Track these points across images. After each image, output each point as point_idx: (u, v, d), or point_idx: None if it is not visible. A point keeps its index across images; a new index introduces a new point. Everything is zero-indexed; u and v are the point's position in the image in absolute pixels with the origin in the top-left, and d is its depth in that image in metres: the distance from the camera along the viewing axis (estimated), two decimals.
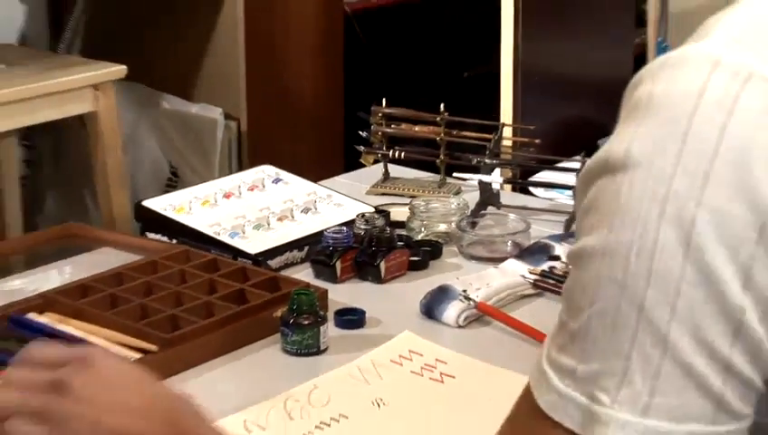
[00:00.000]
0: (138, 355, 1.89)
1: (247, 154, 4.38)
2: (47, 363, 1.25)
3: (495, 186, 2.48)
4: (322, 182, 2.57)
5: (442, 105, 2.59)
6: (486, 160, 2.51)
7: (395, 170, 2.68)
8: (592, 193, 0.99)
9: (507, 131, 2.64)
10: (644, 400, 0.94)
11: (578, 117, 3.02)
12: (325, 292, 2.08)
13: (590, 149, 2.72)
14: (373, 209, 2.38)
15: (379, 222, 2.25)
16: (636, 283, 0.93)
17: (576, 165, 2.42)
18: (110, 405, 1.20)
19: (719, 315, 0.92)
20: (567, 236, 2.31)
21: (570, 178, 2.45)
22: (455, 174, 2.62)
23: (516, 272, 2.16)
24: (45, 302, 2.05)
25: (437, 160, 2.61)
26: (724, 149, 0.91)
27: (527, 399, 1.03)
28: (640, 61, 3.55)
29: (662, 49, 3.77)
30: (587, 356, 0.97)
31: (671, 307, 0.92)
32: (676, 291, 0.92)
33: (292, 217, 2.40)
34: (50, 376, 1.22)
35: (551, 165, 2.64)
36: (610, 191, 0.96)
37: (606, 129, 2.94)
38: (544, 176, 2.67)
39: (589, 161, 1.01)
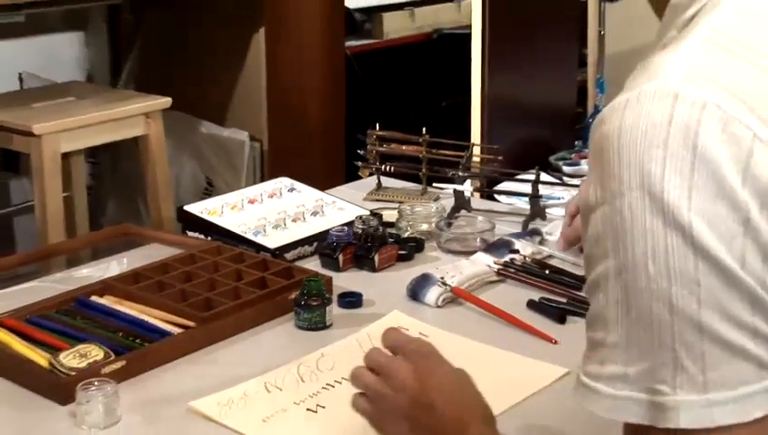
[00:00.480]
0: (179, 330, 1.88)
1: (268, 168, 4.38)
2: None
3: (467, 193, 2.47)
4: (328, 191, 2.56)
5: (424, 129, 2.58)
6: (459, 173, 2.50)
7: (386, 181, 2.67)
8: (594, 224, 0.97)
9: (476, 150, 2.63)
10: (699, 379, 0.92)
11: (533, 138, 3.01)
12: (330, 279, 2.07)
13: (542, 164, 2.73)
14: (369, 212, 2.36)
15: (374, 223, 2.24)
16: (660, 285, 0.92)
17: (531, 176, 2.42)
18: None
19: (736, 295, 0.92)
20: (524, 234, 2.30)
21: (526, 188, 2.44)
22: (434, 184, 2.61)
23: (484, 262, 2.16)
24: (105, 287, 2.05)
25: (420, 173, 2.61)
26: (698, 165, 0.90)
27: None
28: (582, 93, 3.54)
29: (599, 84, 3.76)
30: (633, 359, 0.95)
31: (696, 297, 0.91)
32: (696, 283, 0.91)
33: (304, 218, 2.40)
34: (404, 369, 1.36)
35: (511, 177, 2.63)
36: (614, 216, 0.94)
37: (555, 148, 2.94)
38: (506, 185, 2.66)
39: (581, 195, 0.99)
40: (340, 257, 2.19)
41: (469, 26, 3.07)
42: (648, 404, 0.95)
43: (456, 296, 2.03)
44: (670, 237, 0.91)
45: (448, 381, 1.37)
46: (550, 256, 2.20)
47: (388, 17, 5.18)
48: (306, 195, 2.52)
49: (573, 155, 2.85)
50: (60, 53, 5.00)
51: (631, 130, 0.94)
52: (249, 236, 2.30)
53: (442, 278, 2.06)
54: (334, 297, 2.01)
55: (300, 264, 2.20)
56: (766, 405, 0.94)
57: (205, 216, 2.38)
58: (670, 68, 0.96)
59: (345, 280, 2.12)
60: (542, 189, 2.43)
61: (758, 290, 0.92)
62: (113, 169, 4.87)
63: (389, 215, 2.38)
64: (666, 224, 0.91)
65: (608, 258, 0.96)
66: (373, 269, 2.19)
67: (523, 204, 2.49)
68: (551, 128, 3.08)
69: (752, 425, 0.93)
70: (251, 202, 2.46)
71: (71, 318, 1.94)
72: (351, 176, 2.87)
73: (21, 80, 4.76)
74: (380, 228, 2.26)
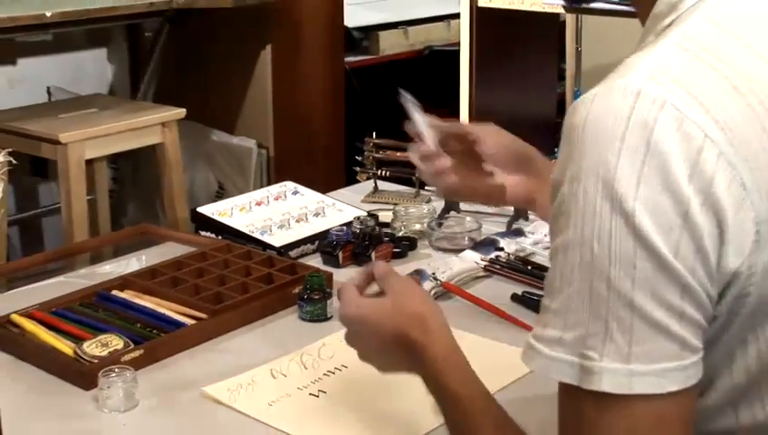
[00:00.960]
0: (192, 322, 1.88)
1: (274, 173, 4.38)
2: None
3: None
4: (329, 194, 2.55)
5: None
6: None
7: (382, 185, 2.66)
8: (557, 201, 0.99)
9: None
10: (625, 350, 0.94)
11: None
12: (331, 274, 2.07)
13: None
14: (366, 214, 2.36)
15: (371, 223, 2.24)
16: (602, 263, 0.94)
17: None
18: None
19: (668, 280, 0.93)
20: (509, 233, 2.29)
21: None
22: (426, 187, 2.61)
23: (472, 259, 2.15)
24: (125, 282, 2.04)
25: (413, 177, 2.60)
26: (649, 158, 0.92)
27: None
28: (561, 104, 3.54)
29: (577, 96, 3.75)
30: (570, 326, 0.97)
31: (631, 278, 0.93)
32: (633, 265, 0.93)
33: (307, 219, 2.39)
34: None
35: None
36: (572, 197, 0.96)
37: None
38: None
39: (552, 175, 1.01)
40: (340, 255, 2.19)
41: (458, 44, 3.07)
42: (578, 367, 0.97)
43: (447, 290, 2.03)
44: (615, 222, 0.93)
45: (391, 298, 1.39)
46: (532, 254, 2.19)
47: (383, 35, 5.18)
48: (309, 197, 2.51)
49: (553, 161, 2.84)
50: (84, 69, 5.00)
51: (596, 121, 0.95)
52: (256, 235, 2.29)
53: (433, 274, 2.05)
54: (334, 291, 2.00)
55: (303, 261, 2.19)
56: (682, 381, 0.96)
57: (216, 217, 2.37)
58: (639, 67, 0.98)
59: (344, 276, 2.11)
60: None
61: (688, 278, 0.94)
62: (133, 174, 4.87)
63: (385, 216, 2.38)
64: (612, 209, 0.93)
65: (562, 233, 0.98)
66: None
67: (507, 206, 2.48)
68: (532, 136, 3.06)
69: (666, 397, 0.95)
70: (258, 204, 2.46)
71: (93, 310, 1.94)
72: (350, 180, 2.86)
73: (49, 93, 4.77)
74: (377, 228, 2.25)
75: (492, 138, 1.68)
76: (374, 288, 1.44)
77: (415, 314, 1.33)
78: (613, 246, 0.94)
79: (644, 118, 0.93)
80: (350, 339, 1.41)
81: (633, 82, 0.95)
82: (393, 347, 1.33)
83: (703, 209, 0.93)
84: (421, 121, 1.67)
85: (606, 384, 0.95)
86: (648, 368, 0.94)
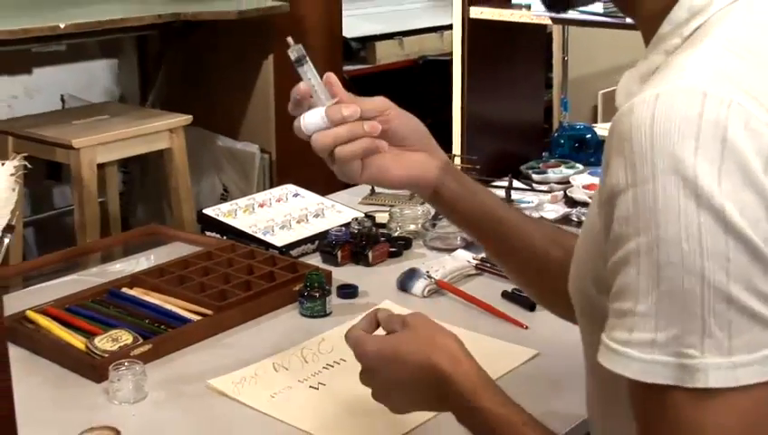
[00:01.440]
0: (198, 318, 1.88)
1: (276, 176, 4.37)
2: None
3: None
4: (328, 196, 2.55)
5: None
6: None
7: (378, 187, 2.65)
8: (623, 205, 0.95)
9: (457, 160, 2.62)
10: (725, 344, 0.91)
11: (506, 150, 3.00)
12: (330, 273, 2.06)
13: (514, 173, 2.72)
14: (363, 215, 2.36)
15: (368, 224, 2.24)
16: (693, 260, 0.90)
17: (505, 183, 2.41)
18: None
19: (762, 270, 0.91)
20: None
21: (500, 193, 2.44)
22: None
23: (464, 258, 2.15)
24: (134, 280, 2.04)
25: None
26: (726, 156, 0.90)
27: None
28: (548, 111, 3.53)
29: (563, 103, 3.75)
30: (663, 326, 0.92)
31: (726, 271, 0.90)
32: (727, 259, 0.90)
33: (307, 220, 2.38)
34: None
35: (487, 183, 2.62)
36: (646, 198, 0.92)
37: (525, 158, 2.93)
38: None
39: (608, 184, 0.96)
40: (339, 254, 2.18)
41: (450, 53, 3.07)
42: (676, 366, 0.92)
43: (440, 288, 2.03)
44: (703, 218, 0.90)
45: (407, 337, 1.32)
46: None
47: (380, 45, 5.18)
48: (309, 199, 2.51)
49: (541, 165, 2.84)
50: (96, 78, 5.00)
51: (664, 122, 0.92)
52: (259, 235, 2.29)
53: (427, 272, 2.05)
54: (333, 289, 2.00)
55: (303, 260, 2.19)
56: None
57: (221, 218, 2.37)
58: (695, 68, 0.95)
59: (343, 274, 2.11)
60: (515, 194, 2.42)
61: None
62: (142, 178, 4.87)
63: (381, 217, 2.37)
64: (699, 206, 0.90)
65: (639, 235, 0.93)
66: (367, 264, 2.18)
67: None
68: (521, 141, 3.07)
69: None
70: (261, 206, 2.45)
71: (104, 307, 1.94)
72: (348, 183, 2.86)
73: (63, 101, 4.77)
74: (374, 229, 2.25)
75: (400, 117, 1.48)
76: (380, 332, 1.36)
77: (443, 345, 1.27)
78: (704, 242, 0.90)
79: (716, 117, 0.90)
80: (367, 377, 1.33)
81: (696, 84, 0.93)
82: (419, 380, 1.27)
83: None
84: (319, 82, 1.47)
85: (713, 380, 0.91)
86: (750, 358, 0.91)
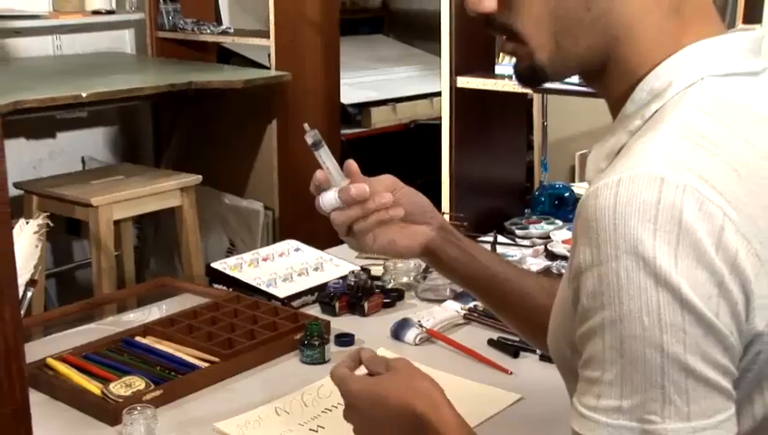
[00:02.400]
0: (206, 365, 1.86)
1: (278, 232, 4.37)
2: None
3: None
4: (327, 250, 2.54)
5: None
6: None
7: None
8: (591, 282, 0.96)
9: (446, 217, 2.61)
10: (684, 410, 0.92)
11: (491, 207, 3.00)
12: (328, 322, 2.05)
13: (499, 228, 2.72)
14: (360, 268, 2.35)
15: (363, 276, 2.23)
16: (653, 334, 0.91)
17: (490, 238, 2.40)
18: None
19: (715, 341, 0.92)
20: None
21: (486, 247, 2.42)
22: None
23: (453, 308, 2.14)
24: (146, 329, 2.03)
25: None
26: (682, 237, 0.91)
27: None
28: (530, 171, 3.54)
29: (543, 164, 3.75)
30: (628, 394, 0.93)
31: (683, 343, 0.91)
32: (683, 331, 0.91)
33: (307, 273, 2.38)
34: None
35: (474, 238, 2.60)
36: (610, 276, 0.93)
37: (509, 215, 2.92)
38: None
39: (576, 261, 0.97)
40: (337, 305, 2.17)
41: (440, 118, 3.07)
42: (640, 431, 0.93)
43: (431, 336, 2.01)
44: (661, 295, 0.91)
45: (389, 380, 1.31)
46: None
47: (375, 111, 5.19)
48: (309, 254, 2.50)
49: (523, 221, 2.84)
50: (114, 141, 5.01)
51: (626, 206, 0.93)
52: (263, 287, 2.28)
53: (419, 321, 2.04)
54: (332, 337, 1.99)
55: (304, 310, 2.18)
56: (732, 429, 0.94)
57: (227, 271, 2.36)
58: (653, 155, 0.96)
59: (340, 323, 2.10)
60: (499, 249, 2.41)
61: (729, 337, 0.93)
62: (155, 233, 4.85)
63: (376, 270, 2.37)
64: (657, 283, 0.91)
65: (604, 310, 0.94)
66: (363, 314, 2.17)
67: None
68: (505, 199, 3.07)
69: None
70: (264, 260, 2.44)
71: (118, 355, 1.92)
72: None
73: (83, 162, 4.78)
74: (369, 281, 2.24)
75: (407, 195, 1.54)
76: (362, 371, 1.35)
77: (423, 388, 1.27)
78: (663, 317, 0.91)
79: (671, 201, 0.91)
80: (349, 414, 1.33)
81: (654, 171, 0.93)
82: (398, 421, 1.26)
83: (732, 278, 0.92)
84: (333, 163, 1.55)
85: None
86: (707, 422, 0.92)
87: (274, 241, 3.97)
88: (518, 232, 2.77)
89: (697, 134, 0.98)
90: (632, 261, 0.92)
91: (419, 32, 6.05)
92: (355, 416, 1.32)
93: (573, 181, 3.68)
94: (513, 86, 2.89)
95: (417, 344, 2.00)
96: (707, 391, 0.92)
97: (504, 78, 2.94)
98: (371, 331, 2.07)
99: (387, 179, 1.54)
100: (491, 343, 1.98)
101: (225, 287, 2.33)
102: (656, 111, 1.04)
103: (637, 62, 1.07)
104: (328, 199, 1.49)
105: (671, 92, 1.04)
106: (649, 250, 0.91)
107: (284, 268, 2.38)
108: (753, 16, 2.89)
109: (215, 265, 2.40)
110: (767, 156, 0.99)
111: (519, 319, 1.54)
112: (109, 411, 1.67)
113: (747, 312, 0.93)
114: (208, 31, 4.73)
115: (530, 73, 1.15)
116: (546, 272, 2.43)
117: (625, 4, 1.06)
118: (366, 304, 2.17)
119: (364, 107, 5.20)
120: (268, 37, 4.37)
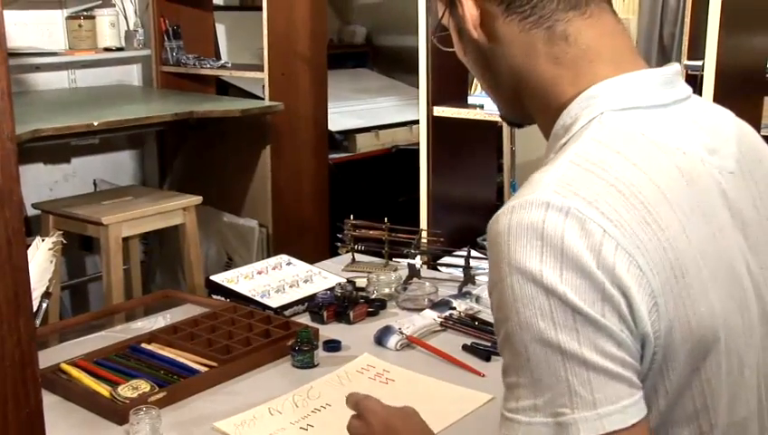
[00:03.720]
0: (205, 369, 1.85)
1: (272, 248, 4.35)
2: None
3: (418, 266, 2.45)
4: (316, 264, 2.54)
5: (386, 218, 2.57)
6: (412, 251, 2.48)
7: (359, 257, 2.64)
8: (496, 297, 0.98)
9: (424, 234, 2.61)
10: (590, 399, 0.93)
11: (465, 224, 3.00)
12: (317, 330, 2.04)
13: (472, 244, 2.72)
14: (346, 280, 2.34)
15: (349, 288, 2.23)
16: (549, 335, 0.93)
17: (464, 253, 2.40)
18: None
19: (605, 336, 0.93)
20: (460, 295, 2.28)
21: (461, 261, 2.43)
22: (394, 259, 2.59)
23: (431, 317, 2.13)
24: (152, 337, 2.01)
25: (383, 251, 2.59)
26: (565, 253, 0.93)
27: None
28: (500, 191, 3.54)
29: (512, 185, 3.76)
30: (539, 392, 0.95)
31: (577, 341, 0.93)
32: (576, 330, 0.93)
33: (298, 285, 2.37)
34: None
35: (450, 253, 2.61)
36: (507, 290, 0.95)
37: (481, 231, 2.92)
38: (446, 260, 2.64)
39: (489, 277, 1.00)
40: (325, 314, 2.16)
41: (418, 144, 3.08)
42: (555, 425, 0.94)
43: (410, 342, 2.01)
44: (552, 301, 0.93)
45: (398, 413, 1.38)
46: (479, 311, 2.18)
47: (359, 137, 5.19)
48: (300, 267, 2.49)
49: None
50: (123, 165, 5.00)
51: (517, 228, 0.95)
52: (257, 298, 2.27)
53: (400, 329, 2.03)
54: (320, 344, 1.98)
55: (295, 319, 2.17)
56: (638, 414, 0.95)
57: (225, 283, 2.35)
58: (544, 183, 0.99)
59: (328, 331, 2.09)
60: (473, 262, 2.41)
61: (619, 334, 0.94)
62: (160, 249, 4.84)
63: (361, 282, 2.36)
64: (546, 292, 0.93)
65: (506, 322, 0.96)
66: (349, 322, 2.16)
67: (459, 273, 2.47)
68: (478, 216, 3.08)
69: (631, 429, 0.94)
70: (259, 273, 2.43)
71: (126, 360, 1.91)
72: (333, 253, 2.84)
73: (95, 184, 4.77)
74: (354, 292, 2.24)
75: None
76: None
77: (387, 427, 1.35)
78: (556, 320, 0.93)
79: (554, 223, 0.94)
80: (360, 426, 1.40)
81: (541, 196, 0.96)
82: None
83: (613, 286, 0.93)
84: None
85: (583, 431, 0.93)
86: (612, 408, 0.93)
87: (268, 256, 3.96)
88: None
89: (589, 161, 1.00)
90: (522, 275, 0.94)
91: (400, 66, 6.06)
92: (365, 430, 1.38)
93: None
94: (484, 115, 2.90)
95: (398, 350, 1.99)
96: (608, 380, 0.93)
97: (476, 107, 2.95)
98: (356, 337, 2.06)
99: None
100: (465, 348, 1.97)
101: (223, 298, 2.32)
102: (564, 144, 1.06)
103: (549, 109, 1.11)
104: None
105: (576, 127, 1.06)
106: (536, 265, 0.93)
107: (277, 281, 2.37)
108: (696, 53, 2.90)
109: (214, 277, 2.39)
110: (654, 176, 1.01)
111: None
112: (117, 412, 1.66)
113: (632, 315, 0.95)
114: (208, 65, 4.74)
115: (507, 121, 1.29)
116: None
117: (507, 65, 1.13)
118: (351, 313, 2.16)
119: (350, 133, 5.20)
120: (262, 70, 4.37)
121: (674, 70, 1.12)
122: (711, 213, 1.05)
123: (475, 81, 3.09)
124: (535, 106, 1.14)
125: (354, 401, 1.42)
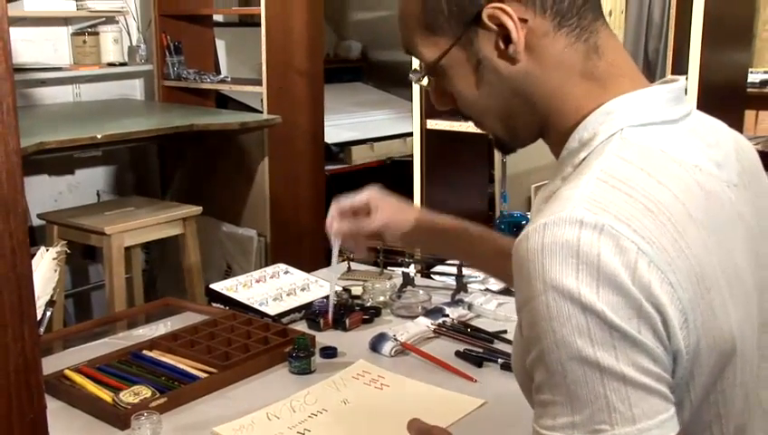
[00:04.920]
0: (205, 375, 1.84)
1: (270, 257, 4.35)
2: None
3: (411, 274, 2.44)
4: (313, 273, 2.53)
5: None
6: (406, 260, 2.48)
7: (354, 266, 2.64)
8: (527, 314, 0.96)
9: None
10: (629, 414, 0.91)
11: None
12: (314, 337, 2.03)
13: None
14: (342, 288, 2.33)
15: (345, 296, 2.23)
16: (587, 352, 0.91)
17: (456, 262, 2.40)
18: None
19: (641, 352, 0.92)
20: (452, 302, 2.28)
21: (453, 270, 2.42)
22: (388, 268, 2.59)
23: (424, 324, 2.13)
24: (152, 343, 2.00)
25: (378, 260, 2.58)
26: (601, 270, 0.91)
27: None
28: (492, 202, 3.54)
29: (503, 196, 3.75)
30: (578, 409, 0.93)
31: (615, 357, 0.91)
32: (614, 347, 0.91)
33: (295, 293, 2.36)
34: None
35: (442, 262, 2.61)
36: (542, 308, 0.93)
37: None
38: (439, 268, 2.63)
39: (516, 298, 0.98)
40: (321, 321, 2.15)
41: (412, 155, 3.08)
42: None
43: (405, 349, 2.00)
44: (589, 318, 0.91)
45: None
46: (471, 318, 2.18)
47: (355, 149, 5.20)
48: (297, 276, 2.48)
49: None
50: (125, 177, 5.00)
51: (551, 246, 0.93)
52: (256, 306, 2.26)
53: (394, 335, 2.03)
54: (317, 350, 1.98)
55: (292, 326, 2.16)
56: (675, 428, 0.94)
57: (224, 291, 2.34)
58: (574, 200, 0.96)
59: (325, 338, 2.09)
60: (465, 271, 2.41)
61: (655, 350, 0.92)
62: (161, 258, 4.83)
63: (356, 290, 2.36)
64: (584, 310, 0.91)
65: (540, 340, 0.94)
66: (345, 329, 2.15)
67: (452, 281, 2.46)
68: None
69: None
70: (257, 281, 2.42)
71: (128, 366, 1.90)
72: (330, 262, 2.84)
73: (98, 195, 4.77)
74: (350, 300, 2.23)
75: (387, 209, 1.76)
76: None
77: None
78: (593, 337, 0.91)
79: (589, 240, 0.92)
80: None
81: (574, 214, 0.94)
82: None
83: (648, 303, 0.92)
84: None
85: None
86: (651, 423, 0.92)
87: (266, 265, 3.95)
88: None
89: (616, 178, 0.99)
90: (558, 293, 0.92)
91: (394, 80, 6.07)
92: None
93: (529, 210, 3.69)
94: (475, 128, 2.89)
95: (392, 356, 1.98)
96: (645, 395, 0.92)
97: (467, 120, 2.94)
98: (352, 344, 2.05)
99: (367, 196, 1.76)
100: (458, 354, 1.97)
101: (222, 306, 2.31)
102: (584, 159, 1.05)
103: (567, 123, 1.09)
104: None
105: (596, 142, 1.05)
106: (573, 283, 0.91)
107: (275, 289, 2.37)
108: (679, 69, 2.91)
109: (213, 286, 2.38)
110: (678, 194, 1.00)
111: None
112: (119, 417, 1.65)
113: (667, 332, 0.94)
114: (208, 80, 4.74)
115: (498, 146, 1.23)
116: (507, 291, 2.42)
117: (542, 86, 1.08)
118: (347, 321, 2.15)
119: (346, 146, 5.21)
120: (261, 85, 4.38)
121: (680, 85, 1.10)
122: (727, 228, 1.05)
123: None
124: (552, 122, 1.11)
125: (417, 428, 1.33)
